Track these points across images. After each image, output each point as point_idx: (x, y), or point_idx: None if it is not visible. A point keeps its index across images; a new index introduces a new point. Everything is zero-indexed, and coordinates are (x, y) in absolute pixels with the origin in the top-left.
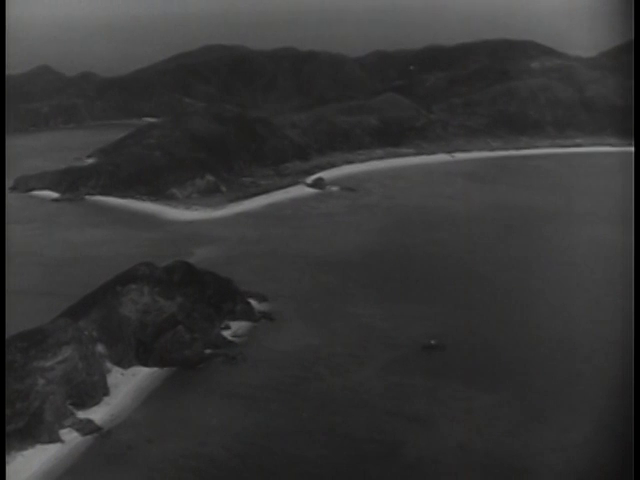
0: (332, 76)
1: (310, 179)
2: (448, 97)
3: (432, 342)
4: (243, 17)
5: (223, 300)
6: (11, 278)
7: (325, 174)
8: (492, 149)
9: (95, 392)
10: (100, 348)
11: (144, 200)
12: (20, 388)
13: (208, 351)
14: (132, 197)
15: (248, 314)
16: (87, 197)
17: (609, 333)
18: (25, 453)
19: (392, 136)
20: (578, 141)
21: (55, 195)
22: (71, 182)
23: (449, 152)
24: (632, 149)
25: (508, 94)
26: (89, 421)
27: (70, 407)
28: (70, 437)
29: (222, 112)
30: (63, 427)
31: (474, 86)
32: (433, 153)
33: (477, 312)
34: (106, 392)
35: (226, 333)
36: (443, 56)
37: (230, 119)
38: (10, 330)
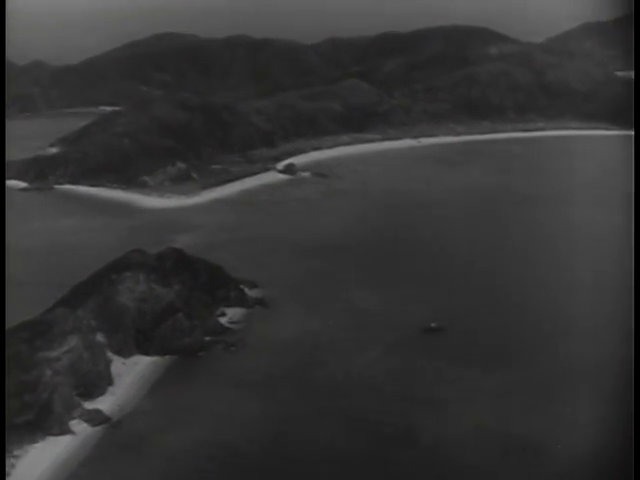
0: (288, 63)
1: (281, 165)
2: (408, 83)
3: (432, 325)
4: (194, 4)
5: (216, 287)
6: None
7: (294, 160)
8: (457, 134)
9: (100, 382)
10: (99, 337)
11: (115, 188)
12: (27, 379)
13: (207, 338)
14: (102, 185)
15: (242, 301)
16: (56, 186)
17: (608, 311)
18: (37, 445)
19: (356, 122)
20: (539, 125)
21: (23, 185)
22: (39, 171)
23: (415, 137)
24: (596, 132)
25: (469, 79)
26: (98, 411)
27: (77, 398)
28: (80, 428)
29: (186, 99)
30: (72, 418)
31: (434, 71)
32: (399, 138)
33: (469, 294)
34: (110, 382)
35: (223, 320)
36: (398, 42)
37: (195, 106)
38: None
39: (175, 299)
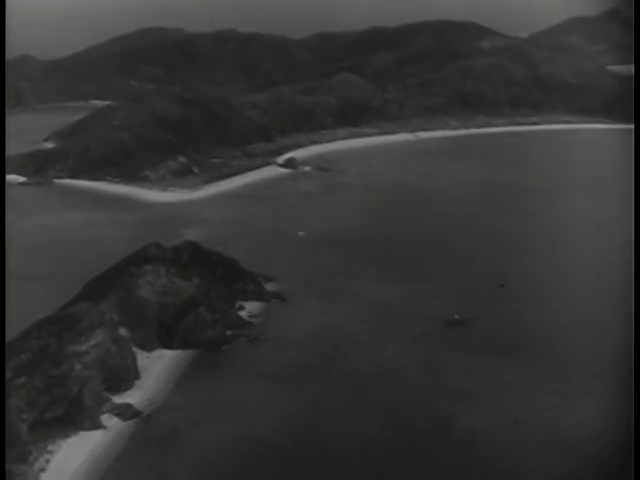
0: (277, 58)
1: (281, 159)
2: (401, 77)
3: (455, 317)
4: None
5: (234, 280)
6: None
7: (294, 154)
8: (453, 128)
9: (128, 376)
10: (122, 331)
11: (116, 182)
12: (56, 374)
13: (229, 332)
14: (103, 179)
15: (259, 294)
16: (56, 180)
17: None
18: (69, 441)
19: (352, 116)
20: (534, 119)
21: (22, 179)
22: (38, 165)
23: (411, 131)
24: (589, 126)
25: (462, 73)
26: (128, 405)
27: (105, 392)
28: (111, 423)
29: (181, 93)
30: (102, 413)
31: (425, 66)
32: (395, 133)
33: (483, 287)
34: (137, 376)
35: (242, 313)
36: (386, 37)
37: (191, 100)
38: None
39: (196, 293)
